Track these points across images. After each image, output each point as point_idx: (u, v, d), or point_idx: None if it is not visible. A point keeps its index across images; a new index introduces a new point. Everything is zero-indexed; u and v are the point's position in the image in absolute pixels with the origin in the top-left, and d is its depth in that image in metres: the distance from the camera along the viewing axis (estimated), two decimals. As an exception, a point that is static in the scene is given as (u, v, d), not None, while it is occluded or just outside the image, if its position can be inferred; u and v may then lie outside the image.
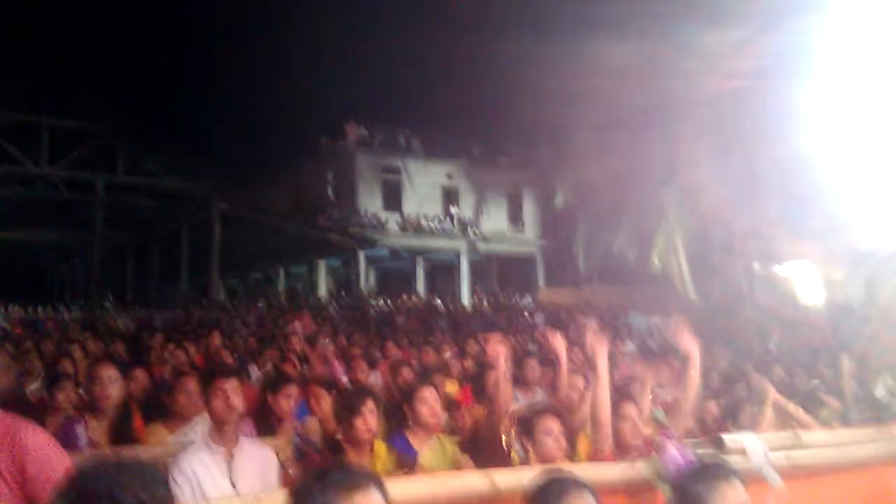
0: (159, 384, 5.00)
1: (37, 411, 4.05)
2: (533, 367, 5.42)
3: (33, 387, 5.79)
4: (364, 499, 1.52)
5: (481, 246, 25.24)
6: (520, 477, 2.42)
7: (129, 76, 29.28)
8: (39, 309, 21.44)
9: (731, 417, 4.57)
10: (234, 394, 3.03)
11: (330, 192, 25.60)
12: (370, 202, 24.34)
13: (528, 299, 22.81)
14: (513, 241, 26.39)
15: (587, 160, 21.79)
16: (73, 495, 1.34)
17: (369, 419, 3.27)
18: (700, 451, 2.86)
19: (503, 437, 3.71)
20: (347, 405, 3.37)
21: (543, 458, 3.10)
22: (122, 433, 3.72)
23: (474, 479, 2.60)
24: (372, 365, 6.30)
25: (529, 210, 26.94)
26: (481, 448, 3.72)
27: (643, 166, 18.23)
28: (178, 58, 29.37)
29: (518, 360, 5.24)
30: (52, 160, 24.69)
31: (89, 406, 3.82)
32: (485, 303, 21.58)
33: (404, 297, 22.32)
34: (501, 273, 26.28)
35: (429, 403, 3.62)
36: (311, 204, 25.32)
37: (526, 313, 18.76)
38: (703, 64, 13.08)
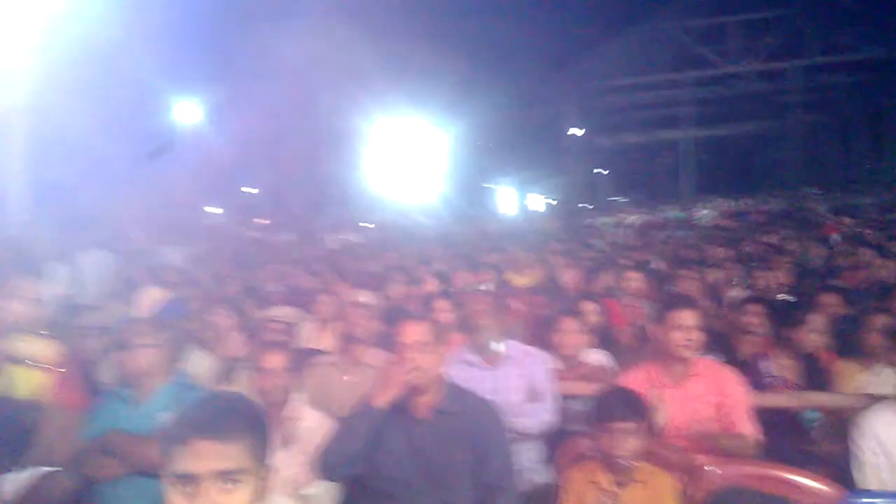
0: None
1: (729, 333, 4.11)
2: None
3: (732, 293, 5.39)
4: None
5: None
6: None
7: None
8: (744, 201, 22.63)
9: None
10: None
11: None
12: None
13: None
14: None
15: None
16: None
17: None
18: None
19: None
20: None
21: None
22: (811, 369, 3.58)
23: None
24: None
25: None
26: None
27: None
28: None
29: None
30: (742, 55, 25.30)
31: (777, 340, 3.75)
32: None
33: None
34: None
35: None
36: None
37: None
38: None
